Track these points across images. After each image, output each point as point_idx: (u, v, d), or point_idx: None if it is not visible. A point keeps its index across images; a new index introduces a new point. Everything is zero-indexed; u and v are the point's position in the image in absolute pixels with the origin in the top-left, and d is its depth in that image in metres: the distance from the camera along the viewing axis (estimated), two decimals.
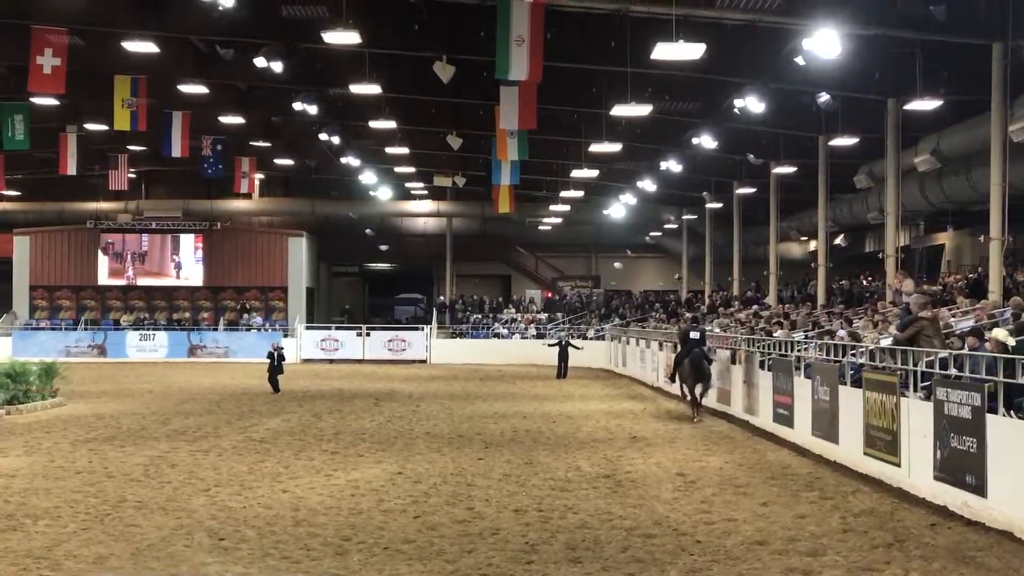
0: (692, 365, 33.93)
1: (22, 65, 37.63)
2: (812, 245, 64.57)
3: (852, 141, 45.25)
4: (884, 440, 21.20)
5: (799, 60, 34.49)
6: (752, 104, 39.88)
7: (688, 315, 49.18)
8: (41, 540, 15.88)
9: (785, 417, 28.41)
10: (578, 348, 56.00)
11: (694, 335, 34.92)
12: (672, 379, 36.46)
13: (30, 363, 38.39)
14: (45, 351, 58.44)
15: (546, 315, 74.55)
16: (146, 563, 14.54)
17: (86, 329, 71.46)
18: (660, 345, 47.52)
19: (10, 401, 34.77)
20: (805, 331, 36.99)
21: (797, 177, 53.90)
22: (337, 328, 71.74)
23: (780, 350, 31.06)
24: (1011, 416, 16.96)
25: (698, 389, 33.92)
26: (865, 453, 22.21)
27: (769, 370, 30.73)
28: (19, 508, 18.34)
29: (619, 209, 72.83)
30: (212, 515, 17.82)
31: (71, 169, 53.95)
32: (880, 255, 47.00)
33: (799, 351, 29.91)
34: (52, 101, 44.93)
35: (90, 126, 53.34)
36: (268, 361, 43.55)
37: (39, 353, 54.67)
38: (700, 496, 19.76)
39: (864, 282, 53.49)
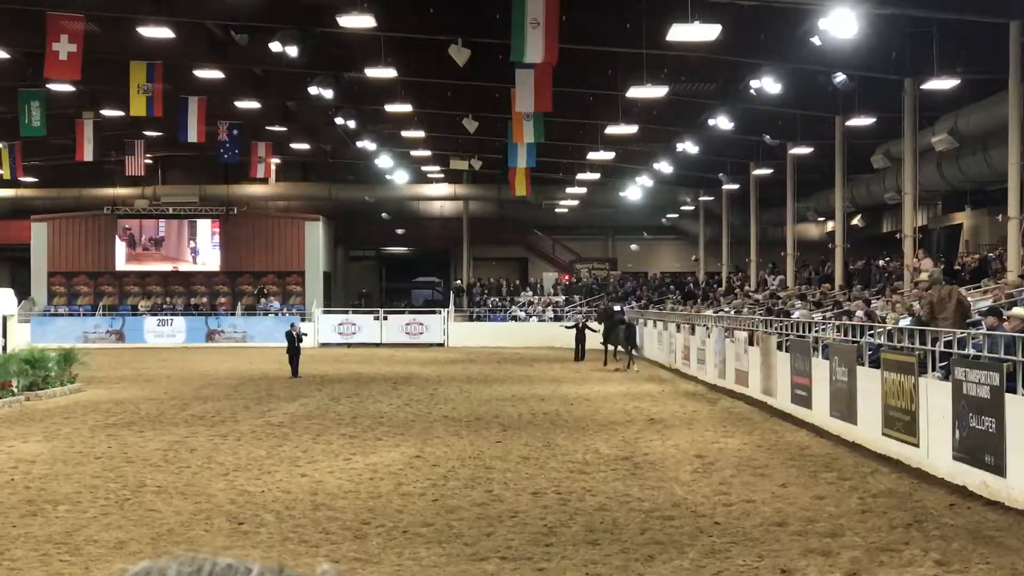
0: (627, 331, 48.37)
1: (38, 52, 37.63)
2: (829, 226, 64.32)
3: (869, 121, 45.09)
4: (903, 420, 21.18)
5: (815, 40, 34.33)
6: (768, 85, 39.74)
7: (606, 301, 62.18)
8: (61, 525, 15.93)
9: (803, 398, 28.40)
10: (595, 331, 56.05)
11: (616, 310, 51.84)
12: (606, 343, 48.89)
13: (49, 349, 38.59)
14: (63, 337, 58.67)
15: (563, 297, 74.53)
16: (166, 548, 14.57)
17: (104, 315, 71.69)
18: (678, 327, 47.50)
19: (29, 387, 34.93)
20: (823, 312, 36.95)
21: (814, 158, 53.75)
22: (354, 312, 71.81)
23: (798, 331, 31.03)
24: None
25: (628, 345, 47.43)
26: (883, 434, 22.19)
27: (787, 351, 30.70)
28: (39, 493, 18.40)
29: (635, 191, 72.70)
30: (231, 499, 17.85)
31: (88, 155, 54.04)
32: (898, 235, 46.85)
33: (817, 332, 29.88)
34: (68, 87, 45.01)
35: (106, 112, 53.42)
36: (287, 343, 43.70)
37: (57, 339, 54.92)
38: (718, 478, 19.76)
39: (882, 262, 53.33)
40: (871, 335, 25.53)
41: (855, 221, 67.00)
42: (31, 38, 39.42)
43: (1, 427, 27.62)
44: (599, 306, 57.66)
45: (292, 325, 45.93)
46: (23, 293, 67.99)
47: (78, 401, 34.25)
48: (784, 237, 58.25)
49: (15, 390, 34.05)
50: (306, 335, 46.98)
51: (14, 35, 41.78)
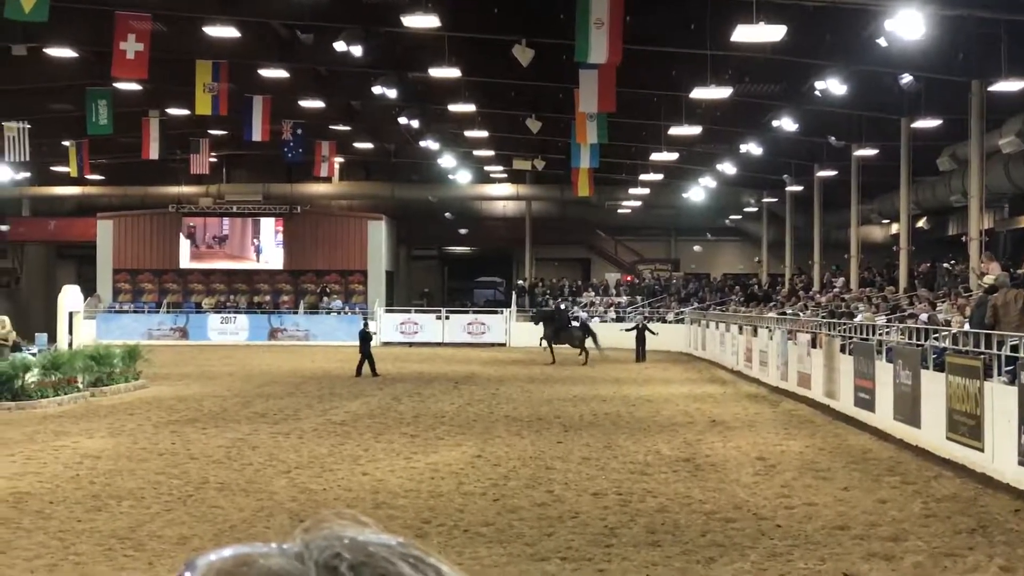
0: (582, 328, 53.28)
1: (106, 51, 37.92)
2: (894, 228, 63.85)
3: (935, 123, 44.73)
4: (967, 425, 21.00)
5: (881, 41, 34.10)
6: (833, 86, 39.47)
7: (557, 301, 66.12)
8: (125, 520, 16.05)
9: (866, 401, 28.22)
10: (654, 333, 56.07)
11: (564, 308, 58.41)
12: (552, 340, 52.50)
13: (114, 346, 38.89)
14: (128, 334, 59.10)
15: (626, 298, 74.38)
16: (228, 544, 14.62)
17: (168, 312, 72.17)
18: (740, 329, 47.33)
19: (95, 383, 35.24)
20: (887, 315, 36.71)
21: (879, 159, 53.33)
22: (416, 311, 71.94)
23: (861, 334, 30.85)
24: None
25: (588, 342, 51.60)
26: (948, 438, 22.01)
27: (850, 354, 30.53)
28: (104, 489, 18.55)
29: (698, 192, 72.46)
30: (292, 497, 17.94)
31: (153, 153, 54.42)
32: (963, 238, 46.43)
33: (880, 334, 29.69)
34: (135, 86, 45.31)
35: (172, 111, 53.75)
36: (360, 341, 44.01)
37: (122, 336, 55.34)
38: (780, 480, 19.68)
39: (947, 266, 52.90)
40: (936, 338, 25.33)
41: (920, 224, 66.45)
42: (99, 37, 39.72)
43: (67, 422, 27.88)
44: (541, 309, 60.80)
45: (365, 323, 46.25)
46: (89, 290, 68.58)
47: (142, 397, 34.51)
48: (848, 239, 57.89)
49: (81, 386, 34.36)
50: (375, 334, 47.32)
51: (82, 34, 42.11)
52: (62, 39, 41.79)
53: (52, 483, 19.10)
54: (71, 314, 41.12)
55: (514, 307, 70.52)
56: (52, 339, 40.29)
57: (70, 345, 38.87)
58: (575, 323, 54.89)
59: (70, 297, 41.98)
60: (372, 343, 44.92)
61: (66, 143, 59.61)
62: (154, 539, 14.90)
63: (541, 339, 54.21)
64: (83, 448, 23.35)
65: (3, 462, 21.49)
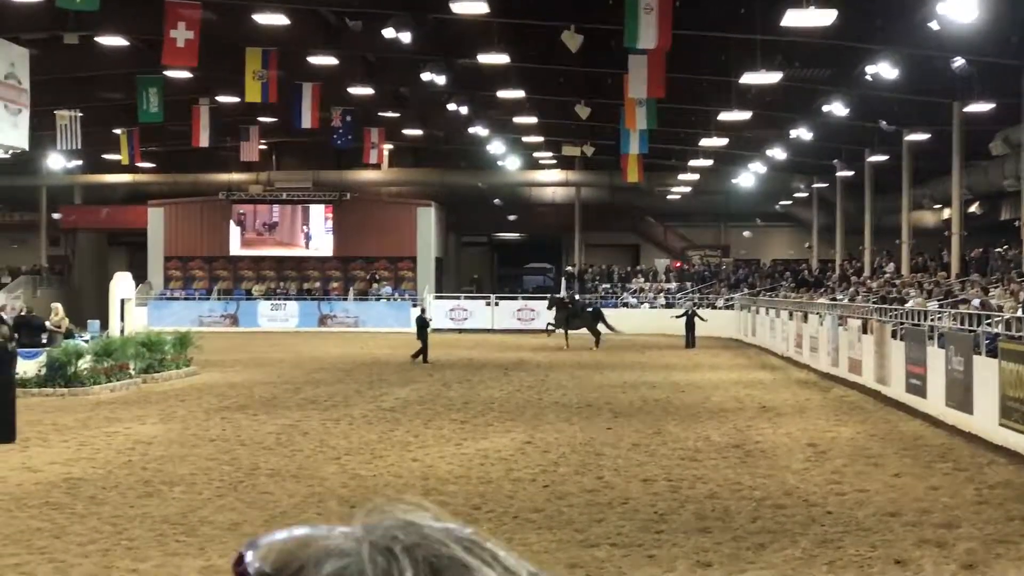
0: (594, 314, 55.28)
1: (156, 39, 38.08)
2: (946, 213, 63.41)
3: (988, 107, 44.34)
4: (1021, 411, 20.85)
5: (933, 25, 33.87)
6: (885, 70, 39.21)
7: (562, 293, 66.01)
8: (177, 506, 16.15)
9: (918, 387, 28.07)
10: (704, 320, 56.00)
11: (567, 297, 60.26)
12: (565, 326, 54.31)
13: (165, 333, 39.11)
14: (179, 321, 59.38)
15: (675, 284, 74.21)
16: (282, 528, 14.68)
17: (219, 299, 72.50)
18: (790, 315, 47.16)
19: (146, 370, 35.48)
20: (939, 300, 36.49)
21: (931, 144, 52.95)
22: (466, 298, 72.01)
23: (913, 319, 30.68)
24: None
25: (600, 327, 53.59)
26: (1001, 424, 21.87)
27: (902, 340, 30.36)
28: (156, 475, 18.67)
29: (748, 178, 72.15)
30: (343, 483, 17.99)
31: (204, 141, 54.65)
32: (1016, 223, 46.16)
33: (932, 320, 29.52)
34: (185, 74, 45.48)
35: (222, 98, 53.97)
36: (417, 328, 44.23)
37: (173, 323, 55.61)
38: (831, 467, 19.60)
39: (1000, 251, 52.49)
40: (988, 324, 25.16)
41: (972, 208, 66.00)
42: (150, 26, 39.94)
43: (119, 409, 28.07)
44: (554, 296, 62.02)
45: (423, 310, 46.48)
46: (140, 277, 68.93)
47: (193, 384, 34.71)
48: (899, 224, 57.56)
49: (133, 372, 34.60)
50: (431, 319, 47.61)
51: (133, 23, 42.36)
52: (113, 27, 42.04)
53: (105, 469, 19.23)
54: (123, 301, 41.30)
55: (563, 293, 70.49)
56: (104, 326, 40.47)
57: (122, 332, 39.04)
58: (588, 309, 57.16)
59: (122, 284, 42.15)
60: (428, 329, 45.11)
61: (117, 131, 60.01)
62: (205, 524, 14.98)
63: (548, 324, 56.70)
64: (135, 434, 23.51)
65: (57, 448, 21.67)
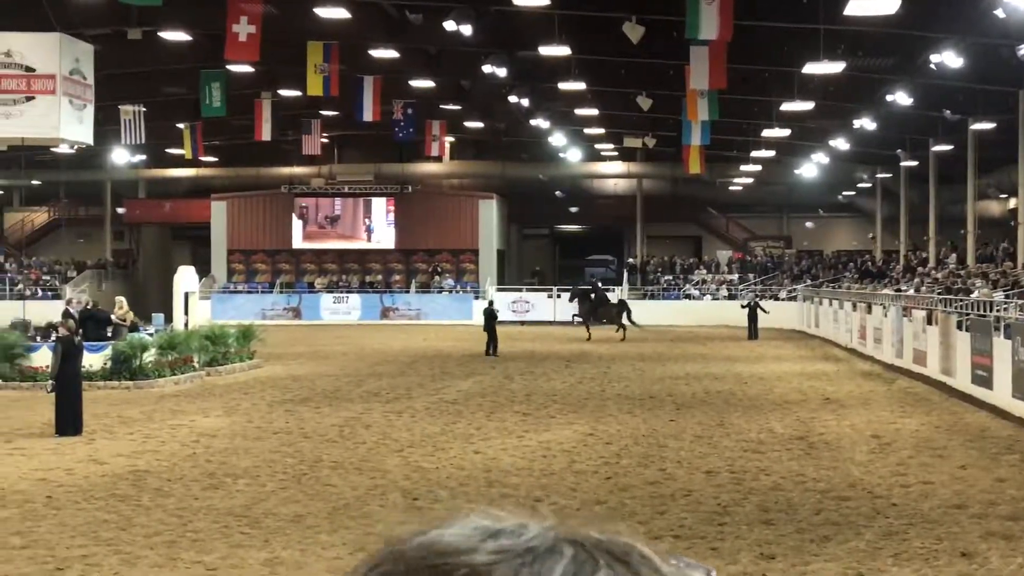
0: (619, 305, 56.14)
1: (219, 33, 38.29)
2: (1012, 202, 62.89)
3: None
4: None
5: (998, 12, 33.55)
6: (949, 59, 38.90)
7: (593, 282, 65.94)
8: (241, 498, 16.25)
9: (984, 378, 27.83)
10: (766, 312, 55.79)
11: (591, 287, 59.52)
12: (588, 317, 55.07)
13: (228, 326, 39.35)
14: (242, 314, 59.63)
15: (737, 276, 73.95)
16: (342, 522, 14.77)
17: (281, 292, 72.80)
18: (854, 306, 46.89)
19: (210, 363, 35.72)
20: (1005, 291, 36.19)
21: (996, 133, 52.48)
22: (528, 290, 72.02)
23: (978, 310, 30.42)
24: None
25: (624, 318, 53.89)
26: None
27: (967, 330, 30.12)
28: (220, 467, 18.79)
29: (810, 168, 71.75)
30: (406, 475, 18.04)
31: (266, 135, 54.94)
32: None
33: (998, 311, 29.26)
34: (247, 68, 45.71)
35: (284, 92, 54.25)
36: (486, 320, 44.36)
37: (236, 316, 55.85)
38: (895, 459, 19.48)
39: None
40: None
41: None
42: (212, 20, 40.14)
43: (183, 401, 28.27)
44: (577, 287, 62.11)
45: (491, 302, 46.55)
46: (203, 271, 69.38)
47: (256, 377, 34.91)
48: (964, 214, 57.11)
49: (196, 365, 34.83)
50: (499, 311, 47.78)
51: (196, 17, 42.58)
52: (176, 22, 42.26)
53: (170, 461, 19.38)
54: (186, 295, 41.54)
55: (626, 285, 70.38)
56: (168, 319, 40.72)
57: (186, 325, 39.28)
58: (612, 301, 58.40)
59: (185, 278, 42.39)
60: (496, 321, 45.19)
61: (180, 125, 60.40)
62: (269, 517, 15.07)
63: (574, 315, 57.92)
64: (199, 427, 23.67)
65: (123, 440, 21.86)
